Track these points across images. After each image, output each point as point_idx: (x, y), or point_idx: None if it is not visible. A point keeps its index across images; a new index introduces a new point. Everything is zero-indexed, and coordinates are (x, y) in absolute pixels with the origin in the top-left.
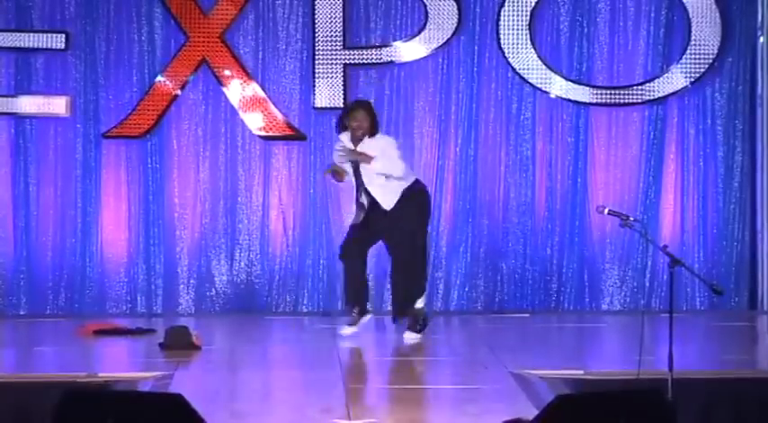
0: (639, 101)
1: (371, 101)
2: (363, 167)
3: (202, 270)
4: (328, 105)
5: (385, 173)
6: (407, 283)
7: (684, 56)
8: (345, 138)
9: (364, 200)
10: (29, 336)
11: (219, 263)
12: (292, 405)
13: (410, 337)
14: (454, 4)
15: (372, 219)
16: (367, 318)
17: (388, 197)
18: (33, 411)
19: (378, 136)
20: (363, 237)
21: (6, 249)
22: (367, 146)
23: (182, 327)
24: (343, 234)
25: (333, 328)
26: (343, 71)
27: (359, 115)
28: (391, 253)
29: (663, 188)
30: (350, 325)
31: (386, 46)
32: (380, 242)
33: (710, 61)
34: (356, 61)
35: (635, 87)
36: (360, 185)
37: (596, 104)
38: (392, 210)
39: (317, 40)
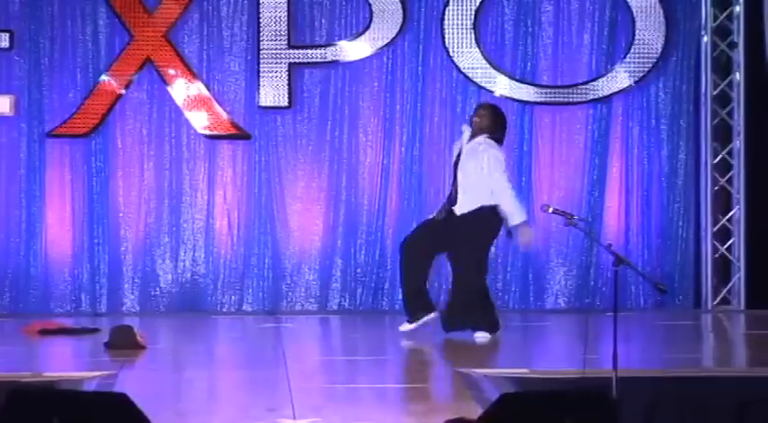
0: (584, 100)
1: (499, 106)
2: (465, 160)
3: (147, 269)
4: (273, 104)
5: (471, 175)
6: (456, 300)
7: (629, 55)
8: (466, 130)
9: (454, 193)
10: None
11: (164, 262)
12: (237, 404)
13: (479, 336)
14: (399, 3)
15: (446, 223)
16: (428, 317)
17: (465, 201)
18: None
19: (493, 143)
20: (431, 235)
21: None
22: (475, 143)
23: (126, 326)
24: (287, 233)
25: (277, 327)
26: (288, 70)
27: (481, 111)
28: (451, 266)
29: (607, 187)
30: (408, 322)
31: (331, 45)
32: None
33: (655, 60)
34: (301, 60)
35: (579, 86)
36: (454, 179)
37: (541, 103)
38: (461, 221)
39: (261, 39)
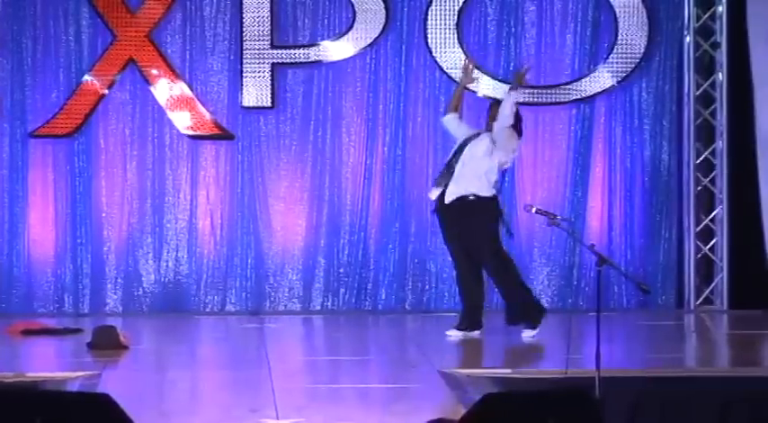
0: (567, 100)
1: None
2: (467, 149)
3: (130, 269)
4: (256, 105)
5: (470, 160)
6: (512, 300)
7: (611, 55)
8: (514, 94)
9: (444, 179)
10: None
11: (147, 262)
12: (220, 404)
13: (527, 334)
14: (382, 3)
15: (448, 222)
16: (476, 333)
17: (454, 189)
18: None
19: (509, 132)
20: (462, 251)
21: None
22: (493, 132)
23: (109, 326)
24: (270, 233)
25: (260, 328)
26: (271, 70)
27: (497, 108)
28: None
29: (590, 187)
30: (456, 328)
31: (314, 45)
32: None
33: (637, 61)
34: (284, 60)
35: (562, 86)
36: (448, 167)
37: (524, 104)
38: (456, 216)
39: (244, 39)
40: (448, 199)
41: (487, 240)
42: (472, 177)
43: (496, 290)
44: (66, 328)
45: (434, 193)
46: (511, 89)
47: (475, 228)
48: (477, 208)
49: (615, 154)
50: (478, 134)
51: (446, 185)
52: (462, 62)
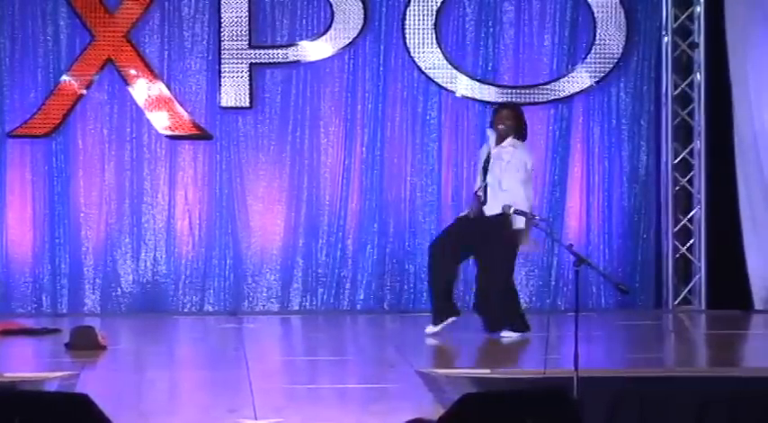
0: (545, 100)
1: (516, 103)
2: (493, 163)
3: (108, 270)
4: (234, 105)
5: (498, 179)
6: (492, 302)
7: (589, 55)
8: (492, 135)
9: (481, 194)
10: None
11: (125, 263)
12: (199, 405)
13: (506, 335)
14: (360, 3)
15: (476, 223)
16: (451, 320)
17: (493, 203)
18: None
19: (519, 144)
20: (459, 236)
21: None
22: (501, 147)
23: (87, 327)
24: (249, 233)
25: (239, 328)
26: (249, 70)
27: (504, 114)
28: (479, 268)
29: (568, 187)
30: (433, 324)
31: (292, 45)
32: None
33: (615, 61)
34: (262, 60)
35: (540, 86)
36: (484, 179)
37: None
38: (490, 223)
39: (222, 39)
40: (487, 212)
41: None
42: (504, 193)
43: (484, 293)
44: (44, 328)
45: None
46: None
47: (504, 236)
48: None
49: (593, 154)
50: (489, 150)
51: (485, 199)
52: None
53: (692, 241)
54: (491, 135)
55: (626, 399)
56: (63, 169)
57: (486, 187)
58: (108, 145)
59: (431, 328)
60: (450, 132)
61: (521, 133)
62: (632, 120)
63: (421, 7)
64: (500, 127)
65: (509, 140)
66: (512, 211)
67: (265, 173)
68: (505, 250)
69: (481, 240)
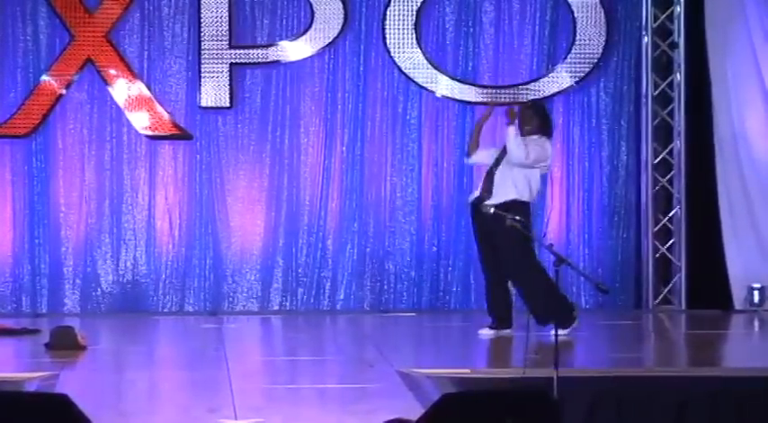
0: (525, 100)
1: (539, 101)
2: (506, 157)
3: (88, 270)
4: (214, 105)
5: (506, 167)
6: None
7: (570, 55)
8: (512, 130)
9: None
10: None
11: (105, 262)
12: (179, 405)
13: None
14: (340, 3)
15: (484, 226)
16: (506, 332)
17: (494, 197)
18: None
19: (544, 139)
20: (491, 254)
21: None
22: (527, 140)
23: (67, 327)
24: (229, 233)
25: (219, 328)
26: (230, 70)
27: (527, 113)
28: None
29: (548, 187)
30: (489, 328)
31: (272, 45)
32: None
33: (595, 61)
34: (242, 61)
35: (520, 86)
36: (492, 167)
37: (482, 104)
38: (493, 222)
39: (202, 39)
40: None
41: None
42: (511, 184)
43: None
44: (23, 328)
45: (473, 198)
46: (508, 125)
47: (513, 230)
48: (513, 211)
49: (573, 154)
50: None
51: (489, 193)
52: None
53: (671, 241)
54: (512, 130)
55: (606, 398)
56: (43, 169)
57: (490, 183)
58: (88, 145)
59: (487, 332)
60: (431, 132)
61: (546, 129)
62: (612, 120)
63: (401, 7)
64: (526, 128)
65: (535, 137)
66: (491, 211)
67: (245, 173)
68: (521, 252)
69: (498, 245)
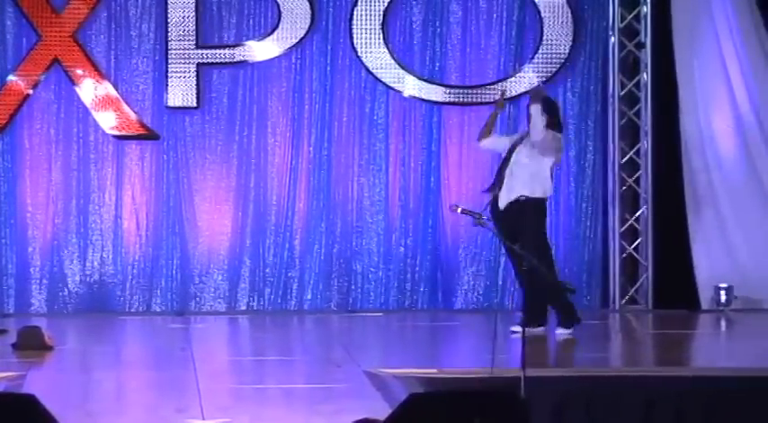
0: (492, 100)
1: (547, 95)
2: (517, 153)
3: (55, 270)
4: (181, 105)
5: (518, 162)
6: (535, 300)
7: (536, 55)
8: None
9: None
10: None
11: (72, 263)
12: (146, 405)
13: (561, 333)
14: (307, 3)
15: (504, 226)
16: (538, 330)
17: (506, 193)
18: None
19: (552, 133)
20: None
21: None
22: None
23: (34, 327)
24: (196, 233)
25: (186, 328)
26: (197, 70)
27: (534, 108)
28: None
29: None
30: (520, 325)
31: (239, 45)
32: None
33: (562, 61)
34: (209, 60)
35: (488, 86)
36: (499, 173)
37: (449, 103)
38: (508, 217)
39: (169, 39)
40: (501, 204)
41: (536, 238)
42: (522, 181)
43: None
44: None
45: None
46: (493, 114)
47: (527, 227)
48: (528, 208)
49: None
50: (522, 138)
51: (499, 190)
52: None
53: (638, 241)
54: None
55: (574, 398)
56: (9, 169)
57: (501, 180)
58: (55, 145)
59: (518, 329)
60: (398, 132)
61: (555, 121)
62: (579, 119)
63: (368, 7)
64: (529, 117)
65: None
66: (459, 210)
67: (213, 173)
68: (535, 246)
69: (516, 234)
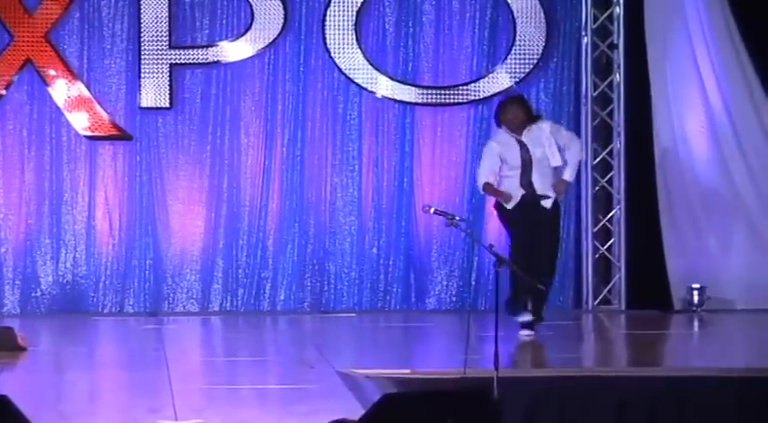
0: (465, 101)
1: (522, 94)
2: (533, 153)
3: (28, 271)
4: (154, 105)
5: (543, 160)
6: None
7: (509, 56)
8: (504, 132)
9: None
10: None
11: (45, 263)
12: (119, 406)
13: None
14: (280, 3)
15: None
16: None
17: (544, 188)
18: None
19: (541, 124)
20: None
21: None
22: (528, 137)
23: (7, 328)
24: (169, 234)
25: (159, 329)
26: (170, 71)
27: (509, 109)
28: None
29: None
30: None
31: (212, 46)
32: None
33: (535, 61)
34: (182, 61)
35: (460, 87)
36: (523, 171)
37: (422, 104)
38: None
39: (142, 39)
40: (547, 203)
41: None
42: (548, 178)
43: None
44: None
45: (515, 198)
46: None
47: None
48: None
49: None
50: (520, 141)
51: (530, 185)
52: None
53: (611, 241)
54: (502, 133)
55: (546, 398)
56: None
57: (530, 177)
58: (27, 146)
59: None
60: (371, 133)
61: (531, 119)
62: (552, 120)
63: (341, 8)
64: (510, 118)
65: (534, 126)
66: (432, 211)
67: (185, 173)
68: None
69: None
